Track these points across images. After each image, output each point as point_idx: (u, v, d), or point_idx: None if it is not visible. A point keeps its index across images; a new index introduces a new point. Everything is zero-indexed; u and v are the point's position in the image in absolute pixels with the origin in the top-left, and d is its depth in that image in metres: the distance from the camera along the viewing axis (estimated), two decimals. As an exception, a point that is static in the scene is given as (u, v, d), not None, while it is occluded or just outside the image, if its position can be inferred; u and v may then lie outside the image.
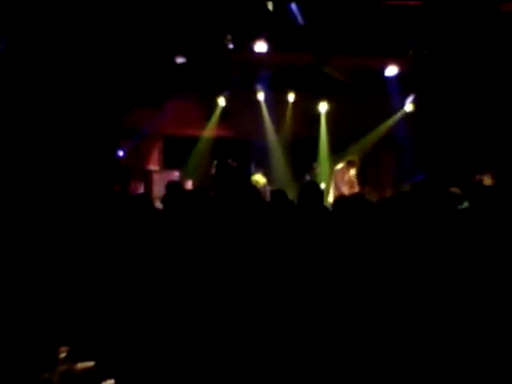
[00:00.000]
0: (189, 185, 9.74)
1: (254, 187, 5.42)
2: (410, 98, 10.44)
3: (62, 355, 3.43)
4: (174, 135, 10.74)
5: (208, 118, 10.88)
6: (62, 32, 7.27)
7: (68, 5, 7.09)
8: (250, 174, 9.99)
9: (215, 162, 10.23)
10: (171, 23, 7.86)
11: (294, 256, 3.94)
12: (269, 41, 8.55)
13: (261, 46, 8.60)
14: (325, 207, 5.22)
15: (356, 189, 8.66)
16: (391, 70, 9.57)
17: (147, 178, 10.22)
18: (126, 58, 8.29)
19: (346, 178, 8.78)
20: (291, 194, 7.83)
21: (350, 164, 8.87)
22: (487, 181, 7.26)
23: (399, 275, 3.57)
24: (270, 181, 9.71)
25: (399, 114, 10.62)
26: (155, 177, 10.08)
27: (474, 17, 7.64)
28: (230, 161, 10.16)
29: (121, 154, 10.02)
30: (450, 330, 3.33)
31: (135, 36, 7.94)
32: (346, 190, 8.53)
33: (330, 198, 8.58)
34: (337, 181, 8.86)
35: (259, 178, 9.16)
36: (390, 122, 10.66)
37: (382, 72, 9.61)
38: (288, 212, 5.09)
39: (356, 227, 4.31)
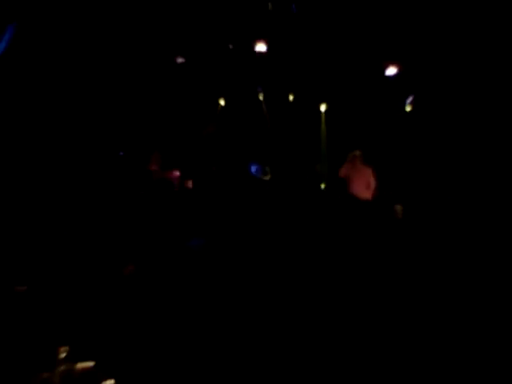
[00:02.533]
0: (189, 184, 9.74)
1: (253, 186, 5.44)
2: (410, 98, 10.43)
3: (62, 355, 3.43)
4: (173, 135, 10.73)
5: (208, 117, 10.88)
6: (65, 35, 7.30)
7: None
8: (250, 174, 10.00)
9: (216, 162, 10.23)
10: (171, 23, 7.87)
11: (293, 253, 3.95)
12: (269, 41, 8.58)
13: (261, 46, 8.62)
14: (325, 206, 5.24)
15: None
16: (391, 70, 9.58)
17: (147, 178, 10.20)
18: (127, 58, 8.30)
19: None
20: (291, 194, 7.85)
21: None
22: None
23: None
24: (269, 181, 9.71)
25: (399, 114, 10.61)
26: (155, 177, 10.06)
27: (474, 17, 7.65)
28: (230, 161, 10.16)
29: (120, 153, 10.01)
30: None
31: (136, 37, 7.95)
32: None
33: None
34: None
35: None
36: (390, 122, 10.65)
37: (382, 72, 9.61)
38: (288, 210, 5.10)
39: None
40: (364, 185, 8.22)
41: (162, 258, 4.72)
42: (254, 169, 10.82)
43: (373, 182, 8.25)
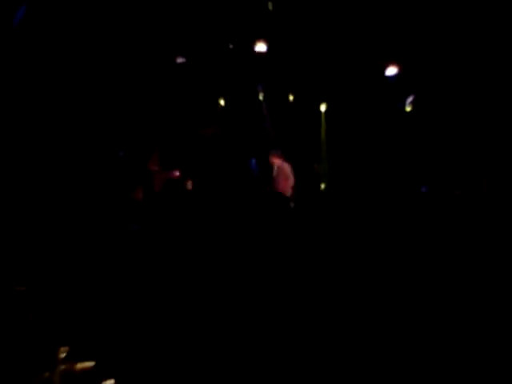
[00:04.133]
0: (189, 185, 9.73)
1: (252, 186, 5.45)
2: (410, 98, 10.43)
3: (62, 355, 3.43)
4: (173, 135, 10.72)
5: (208, 117, 10.87)
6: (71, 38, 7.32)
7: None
8: (250, 174, 10.00)
9: (215, 162, 10.22)
10: (171, 23, 7.87)
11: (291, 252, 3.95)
12: (269, 41, 8.59)
13: (261, 46, 8.63)
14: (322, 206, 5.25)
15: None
16: (391, 70, 9.58)
17: (147, 178, 10.18)
18: (127, 58, 8.30)
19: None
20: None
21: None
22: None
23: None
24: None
25: (399, 114, 10.60)
26: (155, 177, 10.05)
27: (474, 17, 7.64)
28: (229, 161, 10.16)
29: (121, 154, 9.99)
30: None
31: (136, 37, 7.95)
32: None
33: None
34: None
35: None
36: (390, 122, 10.64)
37: (382, 72, 9.61)
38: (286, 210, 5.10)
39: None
40: (283, 178, 8.42)
41: (161, 258, 4.71)
42: (253, 163, 10.83)
43: (291, 176, 8.45)
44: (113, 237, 5.16)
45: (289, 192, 8.15)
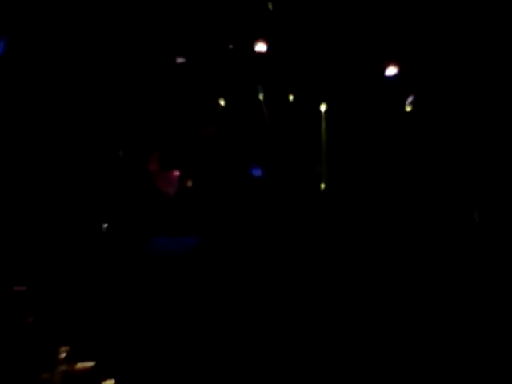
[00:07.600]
0: (189, 184, 9.73)
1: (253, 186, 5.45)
2: (410, 99, 10.42)
3: (62, 355, 3.43)
4: (173, 135, 10.71)
5: (208, 117, 10.86)
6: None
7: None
8: (250, 174, 9.98)
9: (215, 162, 10.21)
10: (171, 23, 7.87)
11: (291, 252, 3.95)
12: (269, 41, 8.58)
13: (261, 46, 8.62)
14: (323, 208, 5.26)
15: None
16: (391, 70, 9.57)
17: (147, 177, 10.18)
18: (126, 58, 8.30)
19: None
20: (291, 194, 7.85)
21: None
22: None
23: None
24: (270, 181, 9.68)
25: (399, 114, 10.59)
26: (155, 177, 10.04)
27: (474, 17, 7.65)
28: (229, 161, 10.15)
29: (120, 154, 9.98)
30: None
31: (135, 37, 7.96)
32: None
33: None
34: None
35: None
36: (390, 122, 10.63)
37: (382, 72, 9.60)
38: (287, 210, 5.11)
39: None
40: (166, 180, 8.58)
41: (160, 258, 4.71)
42: (254, 170, 10.80)
43: (175, 179, 8.61)
44: (113, 236, 5.17)
45: (166, 191, 8.33)
